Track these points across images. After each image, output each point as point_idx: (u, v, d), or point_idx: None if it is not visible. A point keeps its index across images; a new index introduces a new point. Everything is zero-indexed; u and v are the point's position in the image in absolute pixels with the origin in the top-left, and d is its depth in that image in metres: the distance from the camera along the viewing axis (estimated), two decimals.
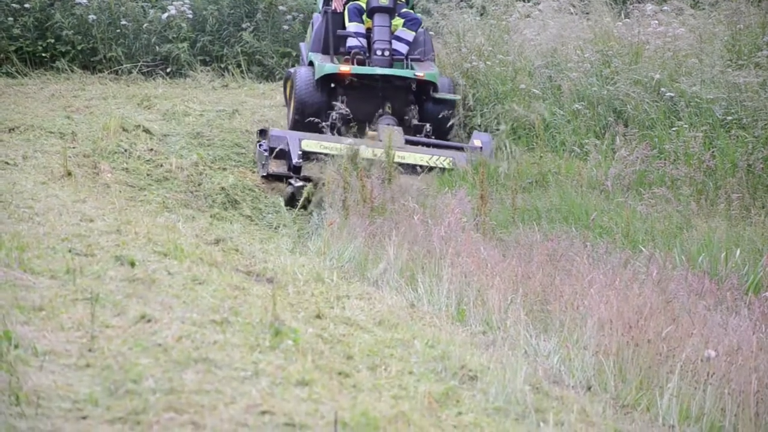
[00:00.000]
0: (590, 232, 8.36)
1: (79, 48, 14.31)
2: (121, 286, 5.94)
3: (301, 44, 12.64)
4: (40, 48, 14.24)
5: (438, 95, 11.22)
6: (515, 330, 6.52)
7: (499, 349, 6.20)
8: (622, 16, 13.06)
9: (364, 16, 11.47)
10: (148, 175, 10.56)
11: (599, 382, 5.94)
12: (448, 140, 11.08)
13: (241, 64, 14.52)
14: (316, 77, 11.07)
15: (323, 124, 10.77)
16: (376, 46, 11.19)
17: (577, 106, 10.92)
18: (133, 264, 6.41)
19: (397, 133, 10.54)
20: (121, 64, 14.28)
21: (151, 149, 11.05)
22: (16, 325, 4.90)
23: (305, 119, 10.87)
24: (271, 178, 10.40)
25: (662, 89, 10.62)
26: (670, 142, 9.88)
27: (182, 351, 4.94)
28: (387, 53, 11.16)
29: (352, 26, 11.40)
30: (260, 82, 14.39)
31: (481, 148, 10.34)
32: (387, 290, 7.55)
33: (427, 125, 11.07)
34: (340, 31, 11.35)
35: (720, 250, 7.68)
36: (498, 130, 11.28)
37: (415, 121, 11.15)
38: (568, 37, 12.35)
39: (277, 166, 10.30)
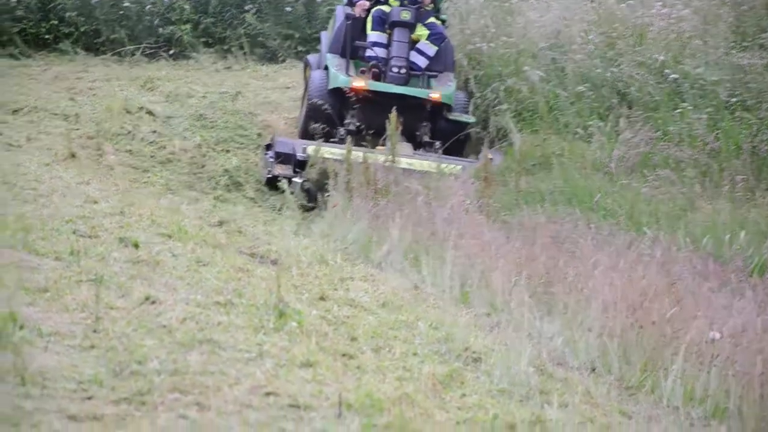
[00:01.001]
0: (594, 214, 8.35)
1: (82, 30, 14.26)
2: (125, 267, 5.95)
3: (322, 33, 12.38)
4: (43, 29, 14.20)
5: (452, 116, 11.01)
6: (519, 312, 6.53)
7: (503, 331, 6.21)
8: None
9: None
10: (151, 156, 10.55)
11: (603, 364, 5.95)
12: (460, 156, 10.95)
13: (243, 46, 14.47)
14: (329, 87, 10.87)
15: (334, 138, 10.67)
16: (392, 62, 10.92)
17: (581, 88, 10.88)
18: (137, 245, 6.42)
19: (406, 147, 10.48)
20: (125, 46, 14.24)
21: (155, 131, 11.04)
22: (21, 306, 4.90)
23: (317, 123, 10.71)
24: (274, 181, 10.26)
25: (666, 71, 10.59)
26: (674, 124, 9.86)
27: (187, 332, 4.95)
28: (403, 71, 10.91)
29: (374, 35, 11.07)
30: (263, 64, 14.34)
31: (492, 159, 10.21)
32: (391, 272, 7.56)
33: (437, 143, 10.93)
34: (358, 42, 11.06)
35: (724, 232, 7.67)
36: (500, 110, 11.26)
37: (426, 138, 10.98)
38: (571, 19, 12.30)
39: (282, 169, 10.25)
